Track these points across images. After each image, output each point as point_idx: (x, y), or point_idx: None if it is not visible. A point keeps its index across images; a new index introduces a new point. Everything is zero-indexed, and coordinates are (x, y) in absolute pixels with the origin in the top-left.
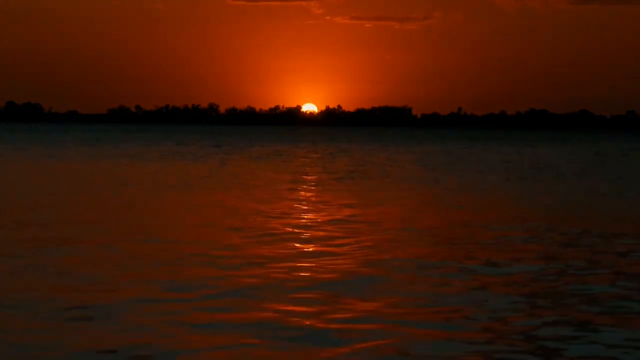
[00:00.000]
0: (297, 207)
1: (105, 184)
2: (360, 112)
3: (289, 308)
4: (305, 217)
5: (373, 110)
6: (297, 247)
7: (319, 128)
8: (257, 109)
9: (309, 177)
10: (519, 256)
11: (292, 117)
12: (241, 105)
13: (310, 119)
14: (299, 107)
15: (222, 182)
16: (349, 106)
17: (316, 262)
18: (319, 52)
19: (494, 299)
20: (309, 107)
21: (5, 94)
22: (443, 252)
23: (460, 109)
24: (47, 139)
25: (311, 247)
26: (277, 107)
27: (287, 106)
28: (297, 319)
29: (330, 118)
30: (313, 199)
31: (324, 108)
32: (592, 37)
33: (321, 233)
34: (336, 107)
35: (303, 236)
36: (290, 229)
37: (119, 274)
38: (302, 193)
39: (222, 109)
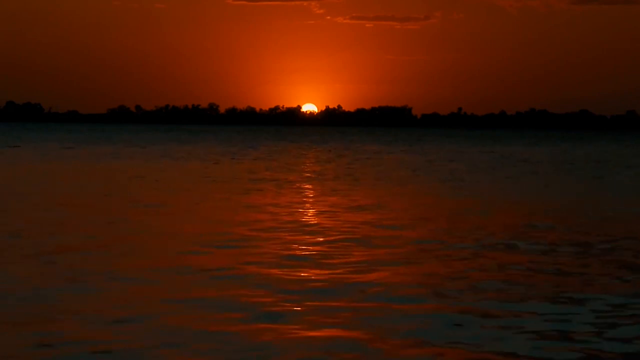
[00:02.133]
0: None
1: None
2: (360, 112)
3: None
4: None
5: (373, 110)
6: None
7: (319, 128)
8: (257, 109)
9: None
10: None
11: (292, 117)
12: (241, 105)
13: (310, 119)
14: (299, 107)
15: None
16: (349, 106)
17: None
18: (319, 52)
19: None
20: (309, 107)
21: (5, 94)
22: None
23: (460, 109)
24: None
25: None
26: (277, 107)
27: (287, 106)
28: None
29: (330, 118)
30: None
31: (324, 108)
32: (592, 37)
33: None
34: (336, 107)
35: None
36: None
37: None
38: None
39: (222, 109)
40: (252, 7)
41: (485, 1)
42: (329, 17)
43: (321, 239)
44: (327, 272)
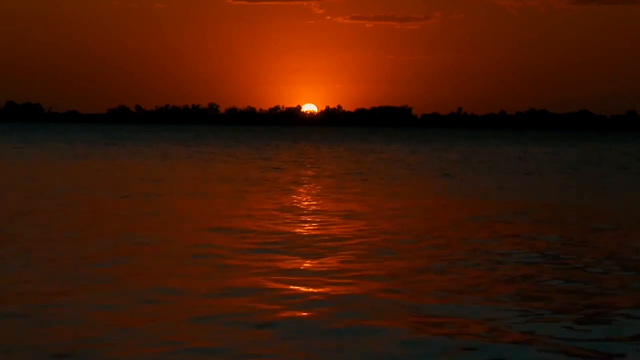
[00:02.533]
0: None
1: None
2: (360, 112)
3: None
4: None
5: (373, 110)
6: None
7: (319, 128)
8: (257, 109)
9: None
10: None
11: (292, 117)
12: (241, 105)
13: (310, 119)
14: (299, 107)
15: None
16: (349, 106)
17: None
18: (319, 52)
19: None
20: (309, 107)
21: (5, 94)
22: None
23: (460, 109)
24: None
25: None
26: (277, 107)
27: (287, 106)
28: None
29: (330, 118)
30: None
31: (324, 108)
32: (592, 37)
33: None
34: (336, 107)
35: None
36: None
37: None
38: None
39: (222, 109)
40: (252, 7)
41: (485, 1)
42: (329, 17)
43: (375, 240)
44: (388, 272)
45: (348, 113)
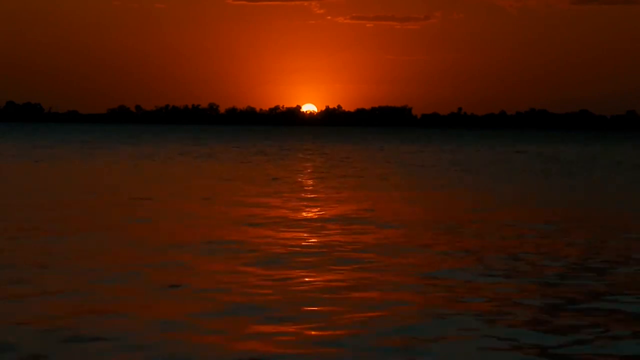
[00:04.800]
0: None
1: None
2: (360, 112)
3: None
4: None
5: (373, 110)
6: None
7: (320, 128)
8: (257, 109)
9: None
10: None
11: (292, 117)
12: (241, 105)
13: (310, 119)
14: (299, 107)
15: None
16: (349, 106)
17: None
18: (319, 52)
19: None
20: (309, 107)
21: (5, 94)
22: None
23: (460, 109)
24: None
25: None
26: (277, 107)
27: (287, 106)
28: None
29: (330, 118)
30: None
31: (323, 108)
32: (592, 37)
33: None
34: (336, 107)
35: None
36: None
37: None
38: None
39: (222, 109)
40: (252, 7)
41: (485, 1)
42: (329, 17)
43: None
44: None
45: (348, 113)
